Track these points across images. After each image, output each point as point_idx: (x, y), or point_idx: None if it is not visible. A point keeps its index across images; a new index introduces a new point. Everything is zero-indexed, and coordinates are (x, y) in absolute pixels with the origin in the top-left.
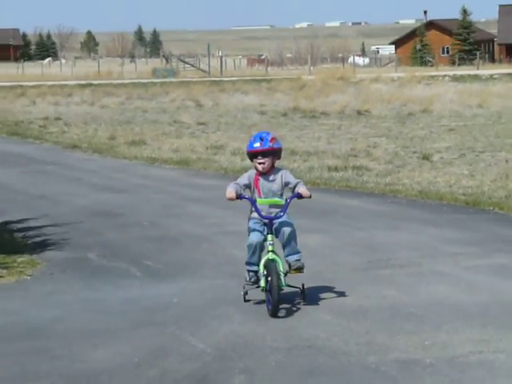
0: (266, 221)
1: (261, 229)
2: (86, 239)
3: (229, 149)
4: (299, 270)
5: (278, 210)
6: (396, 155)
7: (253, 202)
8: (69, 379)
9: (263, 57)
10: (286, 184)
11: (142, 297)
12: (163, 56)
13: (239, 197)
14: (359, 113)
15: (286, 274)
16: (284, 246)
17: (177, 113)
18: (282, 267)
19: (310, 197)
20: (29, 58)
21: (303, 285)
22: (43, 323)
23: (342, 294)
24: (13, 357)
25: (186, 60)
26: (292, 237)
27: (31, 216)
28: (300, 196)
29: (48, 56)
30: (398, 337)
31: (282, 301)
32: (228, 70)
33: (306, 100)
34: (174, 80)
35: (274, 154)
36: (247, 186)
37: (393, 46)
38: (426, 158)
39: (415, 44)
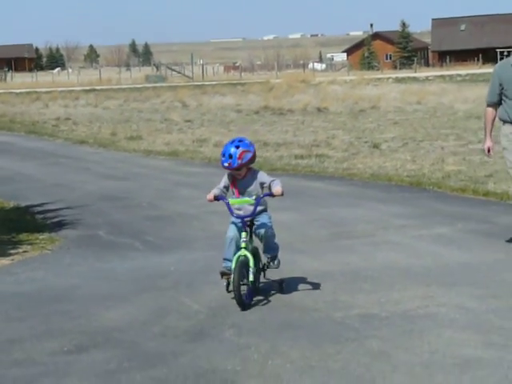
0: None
1: (240, 224)
2: (96, 219)
3: (212, 142)
4: (272, 267)
5: (258, 209)
6: (351, 145)
7: (226, 204)
8: (87, 335)
9: (237, 64)
10: (261, 184)
11: (145, 266)
12: (154, 65)
13: (216, 198)
14: (319, 110)
15: (263, 269)
16: (263, 245)
17: (167, 112)
18: (253, 263)
19: (282, 194)
20: (41, 68)
21: (282, 281)
22: (64, 290)
23: (311, 261)
24: (40, 317)
25: (173, 68)
26: (267, 237)
27: (49, 200)
28: (271, 195)
29: (57, 66)
30: (359, 296)
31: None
32: (208, 75)
33: (274, 100)
34: (163, 85)
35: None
36: (226, 188)
37: (345, 54)
38: (375, 146)
39: (363, 52)
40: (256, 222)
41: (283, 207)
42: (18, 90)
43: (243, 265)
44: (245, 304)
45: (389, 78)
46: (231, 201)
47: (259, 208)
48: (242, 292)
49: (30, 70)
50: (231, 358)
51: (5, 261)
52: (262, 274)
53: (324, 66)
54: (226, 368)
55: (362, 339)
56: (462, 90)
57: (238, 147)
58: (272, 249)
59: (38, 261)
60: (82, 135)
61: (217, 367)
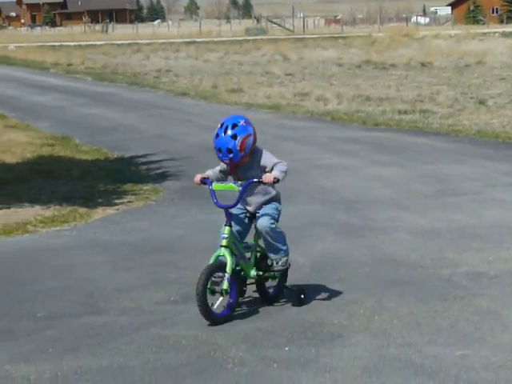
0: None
1: (237, 211)
2: (198, 171)
3: (313, 95)
4: (280, 271)
5: (261, 199)
6: (456, 100)
7: (210, 190)
8: (193, 286)
9: (338, 17)
10: (264, 168)
11: None
12: (254, 17)
13: (203, 182)
14: (423, 64)
15: (264, 275)
16: (264, 244)
17: (267, 65)
18: (230, 267)
19: (276, 182)
20: (141, 20)
21: (302, 290)
22: (169, 240)
23: (416, 218)
24: (146, 267)
25: (274, 20)
26: (267, 233)
27: (151, 152)
28: (260, 182)
29: (157, 18)
30: (466, 253)
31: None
32: (309, 28)
33: (376, 54)
34: (263, 37)
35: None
36: (224, 172)
37: (449, 8)
38: (481, 102)
39: (469, 5)
40: (257, 214)
41: (387, 162)
42: (120, 42)
43: (216, 267)
44: (213, 317)
45: (495, 33)
46: (215, 186)
47: (266, 197)
48: (218, 302)
49: (131, 22)
50: (337, 313)
51: (110, 210)
52: (276, 281)
53: (427, 19)
54: (332, 322)
55: (470, 297)
56: None
57: (235, 136)
58: (274, 249)
59: (143, 211)
60: (183, 87)
61: (323, 321)
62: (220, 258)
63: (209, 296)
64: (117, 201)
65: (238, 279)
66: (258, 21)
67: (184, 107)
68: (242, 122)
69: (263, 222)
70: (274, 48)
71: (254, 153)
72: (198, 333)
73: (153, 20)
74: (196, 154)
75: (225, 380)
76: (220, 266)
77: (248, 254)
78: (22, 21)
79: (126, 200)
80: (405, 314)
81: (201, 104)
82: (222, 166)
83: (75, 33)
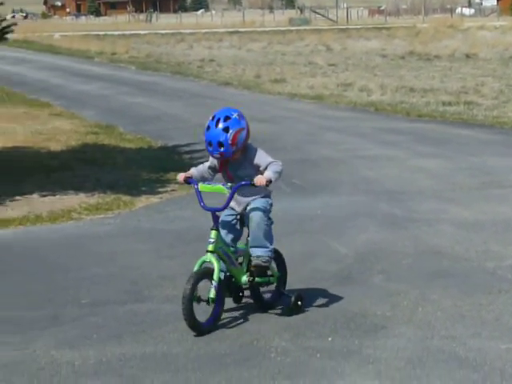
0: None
1: (228, 218)
2: None
3: (356, 86)
4: (258, 268)
5: (250, 198)
6: (501, 92)
7: (195, 190)
8: None
9: (382, 8)
10: (257, 167)
11: (292, 209)
12: (298, 7)
13: (187, 181)
14: (467, 56)
15: (252, 280)
16: (249, 235)
17: (311, 55)
18: (217, 274)
19: (269, 183)
20: (185, 9)
21: (299, 296)
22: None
23: (461, 210)
24: (190, 256)
25: (317, 11)
26: (260, 226)
27: (195, 141)
28: (251, 184)
29: (201, 8)
30: (511, 247)
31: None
32: (352, 19)
33: (420, 45)
34: (307, 28)
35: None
36: (213, 169)
37: None
38: None
39: None
40: (247, 208)
41: (430, 154)
42: (163, 31)
43: (202, 274)
44: (200, 327)
45: None
46: (201, 186)
47: (255, 196)
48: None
49: (175, 12)
50: (381, 304)
51: (154, 199)
52: (276, 286)
53: (472, 10)
54: (375, 313)
55: None
56: None
57: (227, 129)
58: (260, 244)
59: (186, 200)
60: (226, 77)
61: (367, 312)
62: (206, 264)
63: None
64: (160, 189)
65: (223, 287)
66: (301, 11)
67: (227, 97)
68: (235, 115)
69: (254, 212)
70: (317, 38)
71: (247, 150)
72: (241, 322)
73: (196, 10)
74: None
75: (268, 369)
76: (206, 272)
77: (240, 259)
78: (68, 10)
79: (169, 189)
80: (449, 307)
81: (244, 94)
82: (212, 161)
83: (119, 22)
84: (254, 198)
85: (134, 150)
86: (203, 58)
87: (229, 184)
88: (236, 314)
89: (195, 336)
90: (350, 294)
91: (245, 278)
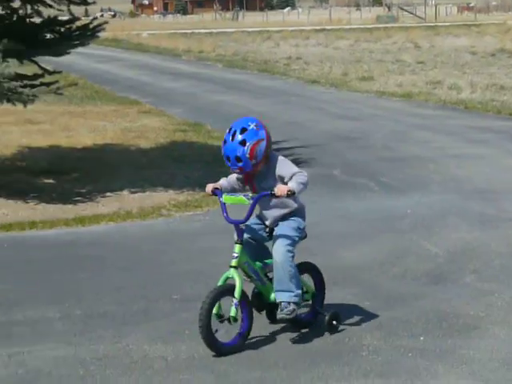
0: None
1: (256, 226)
2: (330, 159)
3: (446, 84)
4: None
5: (278, 213)
6: None
7: (220, 201)
8: (326, 272)
9: (471, 5)
10: (281, 178)
11: (381, 207)
12: (385, 5)
13: (214, 193)
14: None
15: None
16: (274, 275)
17: (398, 53)
18: (239, 292)
19: (290, 195)
20: (271, 7)
21: (335, 315)
22: None
23: None
24: None
25: (405, 8)
26: (284, 267)
27: (283, 139)
28: (272, 195)
29: (287, 6)
30: None
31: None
32: (441, 16)
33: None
34: (394, 25)
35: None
36: (241, 180)
37: None
38: None
39: None
40: (274, 232)
41: None
42: (250, 29)
43: (223, 291)
44: (220, 347)
45: None
46: (225, 198)
47: (284, 210)
48: (222, 331)
49: (261, 10)
50: (474, 304)
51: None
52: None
53: None
54: (468, 313)
55: None
56: None
57: (244, 143)
58: (283, 287)
59: None
60: (313, 75)
61: (459, 311)
62: (229, 280)
63: (217, 322)
64: None
65: (249, 304)
66: (389, 8)
67: (314, 94)
68: (252, 126)
69: (278, 248)
70: (404, 36)
71: (270, 160)
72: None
73: (283, 8)
74: (327, 141)
75: (360, 367)
76: (228, 289)
77: (270, 274)
78: (155, 8)
79: None
80: None
81: (331, 91)
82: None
83: (206, 20)
84: (283, 212)
85: None
86: (290, 55)
87: (250, 194)
88: (328, 310)
89: (214, 356)
90: (441, 294)
91: (274, 295)
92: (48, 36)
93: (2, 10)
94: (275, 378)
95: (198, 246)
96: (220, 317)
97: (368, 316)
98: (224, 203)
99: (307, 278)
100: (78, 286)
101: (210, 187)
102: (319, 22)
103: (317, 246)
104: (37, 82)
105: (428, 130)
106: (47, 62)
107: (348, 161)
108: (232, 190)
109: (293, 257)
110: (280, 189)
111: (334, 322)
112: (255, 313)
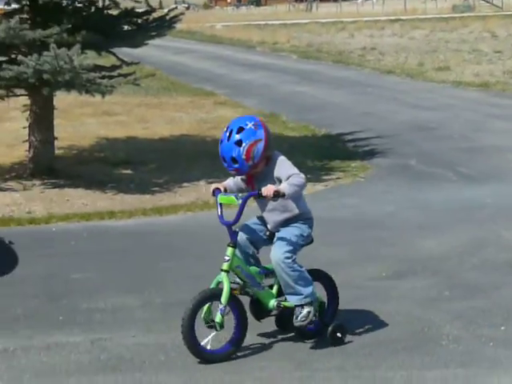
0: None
1: (255, 227)
2: (406, 149)
3: None
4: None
5: (279, 218)
6: None
7: (216, 201)
8: (404, 262)
9: None
10: (279, 180)
11: (459, 197)
12: None
13: (214, 193)
14: None
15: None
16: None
17: (475, 43)
18: (225, 297)
19: (279, 195)
20: None
21: (334, 328)
22: (378, 217)
23: None
24: (357, 243)
25: None
26: (286, 272)
27: (358, 129)
28: (259, 195)
29: None
30: None
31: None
32: None
33: None
34: (471, 14)
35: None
36: (244, 181)
37: None
38: None
39: None
40: (274, 238)
41: None
42: (324, 20)
43: (210, 296)
44: (203, 354)
45: None
46: (220, 198)
47: (285, 215)
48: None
49: (335, 0)
50: None
51: (319, 186)
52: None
53: None
54: None
55: None
56: None
57: (240, 143)
58: (291, 290)
59: (352, 188)
60: (388, 65)
61: None
62: (221, 284)
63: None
64: (325, 177)
65: (242, 310)
66: None
67: (390, 85)
68: (250, 125)
69: (275, 253)
70: (481, 25)
71: (271, 160)
72: (411, 309)
73: None
74: (403, 131)
75: (440, 356)
76: (216, 294)
77: (271, 281)
78: (228, 0)
79: (334, 176)
80: None
81: (407, 82)
82: None
83: (279, 12)
84: (284, 216)
85: (298, 138)
86: (364, 46)
87: (240, 194)
88: (406, 300)
89: (199, 363)
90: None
91: (273, 303)
92: (125, 27)
93: (81, 2)
94: (355, 366)
95: None
96: (208, 322)
97: (447, 306)
98: (220, 203)
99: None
100: (157, 274)
101: (212, 187)
102: (394, 12)
103: (395, 236)
104: (114, 73)
105: (506, 119)
106: (122, 53)
107: (424, 151)
108: (239, 191)
109: (294, 260)
110: (267, 189)
111: (339, 334)
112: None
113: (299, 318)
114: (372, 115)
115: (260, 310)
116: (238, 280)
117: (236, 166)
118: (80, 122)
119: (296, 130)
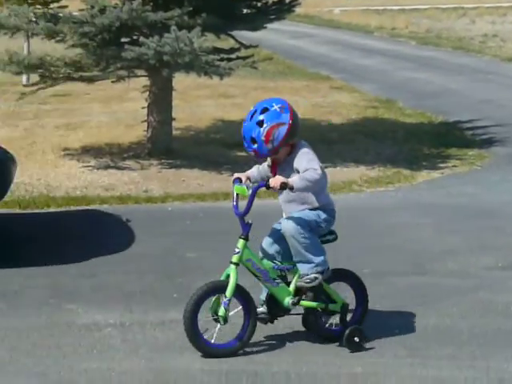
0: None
1: (277, 227)
2: None
3: None
4: (303, 289)
5: (296, 208)
6: None
7: (232, 191)
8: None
9: None
10: (297, 171)
11: None
12: None
13: (234, 182)
14: None
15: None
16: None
17: None
18: (231, 290)
19: (287, 187)
20: None
21: (351, 331)
22: (495, 206)
23: None
24: (472, 232)
25: None
26: (296, 238)
27: (477, 117)
28: (266, 187)
29: None
30: None
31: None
32: None
33: None
34: None
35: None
36: (270, 168)
37: None
38: None
39: None
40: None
41: None
42: (444, 6)
43: (216, 288)
44: (205, 347)
45: None
46: (235, 188)
47: (303, 207)
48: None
49: None
50: None
51: (435, 174)
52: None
53: None
54: None
55: None
56: None
57: (261, 123)
58: (302, 259)
59: (468, 176)
60: (509, 52)
61: None
62: (227, 275)
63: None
64: (441, 164)
65: (251, 306)
66: None
67: (510, 73)
68: (275, 107)
69: (287, 220)
70: None
71: (296, 149)
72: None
73: None
74: None
75: None
76: (221, 286)
77: (289, 278)
78: None
79: (450, 164)
80: None
81: None
82: (269, 160)
83: None
84: (302, 208)
85: (414, 124)
86: (486, 33)
87: (251, 184)
88: None
89: (202, 357)
90: None
91: (288, 300)
92: (245, 11)
93: None
94: (468, 356)
95: (389, 221)
96: (214, 315)
97: None
98: (237, 194)
99: (337, 287)
100: None
101: (234, 176)
102: None
103: (511, 225)
104: (233, 56)
105: None
106: (240, 37)
107: None
108: (263, 180)
109: (309, 230)
110: (274, 180)
111: (356, 339)
112: None
113: (303, 279)
114: (491, 103)
115: (275, 308)
116: (263, 309)
117: (254, 146)
118: (197, 103)
119: (412, 116)
